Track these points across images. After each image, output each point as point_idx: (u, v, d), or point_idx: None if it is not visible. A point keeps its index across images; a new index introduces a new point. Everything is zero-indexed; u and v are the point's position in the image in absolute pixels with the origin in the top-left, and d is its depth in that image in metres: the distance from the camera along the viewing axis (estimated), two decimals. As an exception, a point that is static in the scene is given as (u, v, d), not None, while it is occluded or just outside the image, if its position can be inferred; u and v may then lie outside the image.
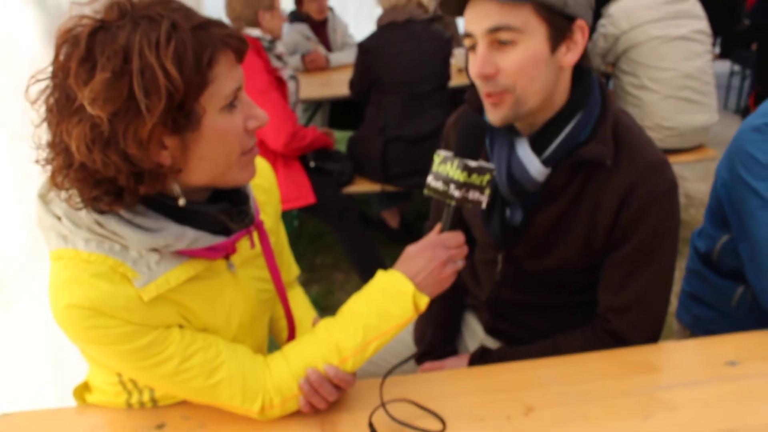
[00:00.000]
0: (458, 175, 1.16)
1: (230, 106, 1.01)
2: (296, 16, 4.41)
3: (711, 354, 1.32)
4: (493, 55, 1.23)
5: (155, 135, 0.94)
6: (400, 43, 3.15)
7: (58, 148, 0.97)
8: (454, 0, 1.26)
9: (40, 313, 1.59)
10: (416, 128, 3.20)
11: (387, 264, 3.22)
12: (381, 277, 1.19)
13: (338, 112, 4.41)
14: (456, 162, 1.16)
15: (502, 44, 1.22)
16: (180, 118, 0.95)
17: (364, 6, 5.26)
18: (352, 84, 3.38)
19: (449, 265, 1.18)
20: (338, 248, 3.61)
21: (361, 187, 3.35)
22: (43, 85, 0.98)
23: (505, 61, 1.22)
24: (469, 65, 1.28)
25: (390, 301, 1.16)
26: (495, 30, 1.20)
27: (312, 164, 3.19)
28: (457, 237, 1.21)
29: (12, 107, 1.55)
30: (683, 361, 1.32)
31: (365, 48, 3.20)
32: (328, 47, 4.50)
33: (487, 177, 1.17)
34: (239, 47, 1.01)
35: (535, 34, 1.21)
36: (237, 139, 1.03)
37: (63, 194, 1.00)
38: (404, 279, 1.16)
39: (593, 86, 1.33)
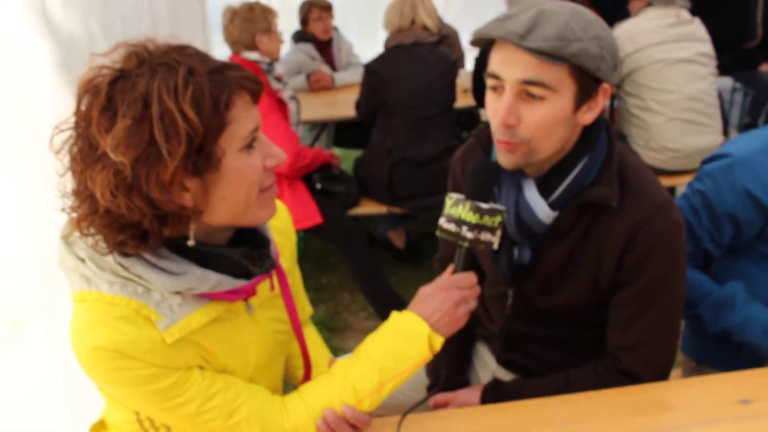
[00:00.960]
0: (470, 217, 1.18)
1: (248, 146, 1.03)
2: (301, 36, 4.44)
3: (723, 392, 1.32)
4: (518, 105, 1.23)
5: (177, 178, 0.96)
6: (406, 65, 3.17)
7: (83, 195, 0.98)
8: (485, 40, 1.28)
9: (55, 349, 1.60)
10: (422, 151, 3.22)
11: (393, 285, 3.24)
12: (396, 318, 1.20)
13: (343, 130, 4.43)
14: (468, 204, 1.18)
15: (529, 96, 1.22)
16: (200, 160, 0.97)
17: (366, 26, 5.30)
18: (359, 106, 3.40)
19: (462, 306, 1.20)
20: (344, 268, 3.61)
21: (367, 208, 3.36)
22: (66, 135, 1.00)
23: (530, 115, 1.23)
24: (488, 106, 1.29)
25: (405, 342, 1.17)
26: (528, 83, 1.21)
27: (318, 186, 3.21)
28: (469, 278, 1.22)
29: (26, 150, 1.56)
30: (696, 400, 1.32)
31: (372, 70, 3.22)
32: (333, 67, 4.52)
33: (498, 218, 1.19)
34: (254, 88, 1.03)
35: (564, 93, 1.22)
36: (256, 178, 1.04)
37: (90, 240, 1.02)
38: (419, 320, 1.17)
39: (601, 130, 1.35)
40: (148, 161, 0.93)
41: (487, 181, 1.23)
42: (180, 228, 1.01)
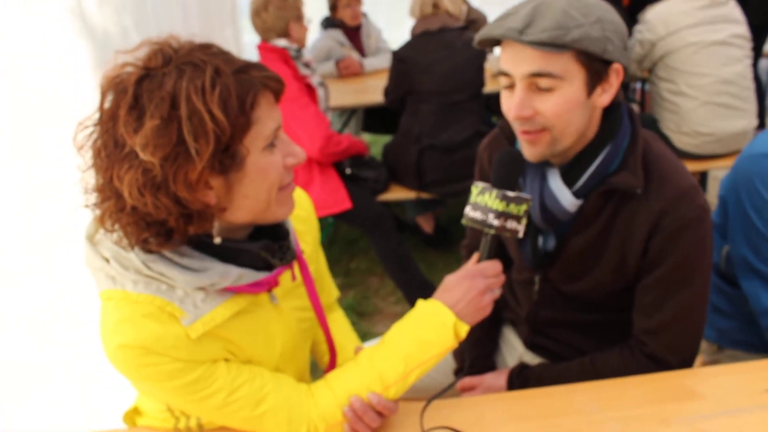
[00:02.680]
0: (496, 205, 1.20)
1: (271, 145, 1.04)
2: (330, 23, 4.45)
3: (750, 380, 1.32)
4: (531, 97, 1.25)
5: (203, 177, 0.97)
6: (434, 51, 3.16)
7: (109, 192, 1.00)
8: (493, 40, 1.30)
9: (80, 344, 1.65)
10: (451, 136, 3.22)
11: (422, 270, 3.26)
12: (422, 306, 1.22)
13: (372, 116, 4.44)
14: (494, 192, 1.21)
15: (539, 89, 1.24)
16: (226, 159, 0.98)
17: (394, 11, 5.27)
18: (387, 92, 3.41)
19: (488, 294, 1.22)
20: (373, 253, 3.64)
21: (396, 194, 3.38)
22: (89, 131, 1.01)
23: (543, 105, 1.24)
24: (503, 103, 1.31)
25: (431, 331, 1.19)
26: (536, 75, 1.22)
27: (348, 171, 3.23)
28: (494, 266, 1.24)
29: (70, 150, 1.60)
30: (722, 388, 1.32)
31: (400, 57, 3.21)
32: (362, 53, 4.52)
33: (524, 207, 1.21)
34: (278, 88, 1.05)
35: (574, 80, 1.23)
36: (277, 176, 1.06)
37: (114, 236, 1.04)
38: (445, 309, 1.19)
39: (623, 117, 1.35)
40: (176, 161, 0.95)
41: (513, 170, 1.25)
42: (204, 225, 1.03)
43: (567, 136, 1.28)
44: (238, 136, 0.98)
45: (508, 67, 1.26)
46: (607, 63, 1.25)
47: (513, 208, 1.20)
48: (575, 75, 1.23)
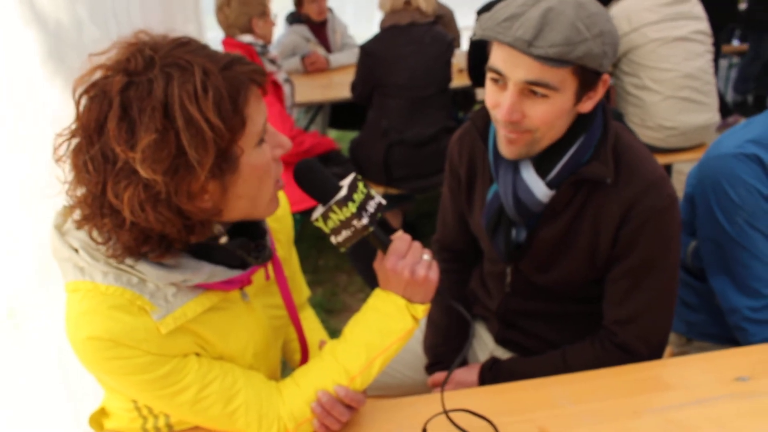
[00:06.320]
0: (349, 211, 1.12)
1: (261, 141, 1.01)
2: (295, 18, 4.40)
3: (720, 369, 1.33)
4: (521, 102, 1.25)
5: (204, 185, 0.94)
6: (402, 46, 3.15)
7: (106, 209, 0.94)
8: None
9: (53, 339, 1.60)
10: (419, 131, 3.21)
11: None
12: (373, 297, 1.21)
13: (339, 111, 4.41)
14: (334, 207, 1.12)
15: (532, 93, 1.24)
16: (223, 163, 0.95)
17: (362, 7, 5.25)
18: (354, 87, 3.38)
19: (418, 267, 1.17)
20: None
21: (364, 190, 3.35)
22: (65, 140, 0.96)
23: (533, 110, 1.25)
24: (488, 96, 1.30)
25: (386, 317, 1.18)
26: (532, 83, 1.22)
27: (314, 169, 3.18)
28: (402, 242, 1.18)
29: (20, 139, 1.54)
30: (693, 378, 1.32)
31: (367, 50, 3.20)
32: (328, 48, 4.49)
33: (359, 184, 1.15)
34: (262, 81, 1.01)
35: (567, 91, 1.24)
36: (269, 171, 1.03)
37: (110, 251, 0.99)
38: (394, 294, 1.18)
39: (597, 110, 1.36)
40: (177, 173, 0.91)
41: (321, 178, 1.15)
42: (205, 232, 1.00)
43: (547, 138, 1.30)
44: (234, 138, 0.94)
45: (504, 67, 1.24)
46: (599, 74, 1.26)
47: (358, 196, 1.13)
48: (569, 86, 1.24)
